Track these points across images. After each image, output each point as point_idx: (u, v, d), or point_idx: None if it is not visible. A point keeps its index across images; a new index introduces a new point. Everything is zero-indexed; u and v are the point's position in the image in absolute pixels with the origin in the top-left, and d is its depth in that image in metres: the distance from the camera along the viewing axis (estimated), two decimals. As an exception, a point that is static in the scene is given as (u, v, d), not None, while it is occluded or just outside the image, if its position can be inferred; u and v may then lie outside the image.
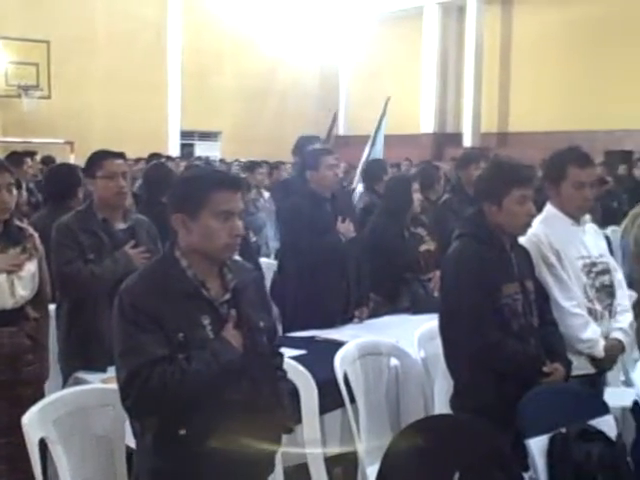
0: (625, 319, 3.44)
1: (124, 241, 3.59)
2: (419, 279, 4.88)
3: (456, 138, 18.96)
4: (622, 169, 11.90)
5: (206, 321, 2.22)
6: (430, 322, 3.69)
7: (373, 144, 8.52)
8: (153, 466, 2.22)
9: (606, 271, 3.43)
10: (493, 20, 18.69)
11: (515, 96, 18.63)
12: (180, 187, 2.34)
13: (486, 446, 2.46)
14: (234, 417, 2.18)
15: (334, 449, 3.30)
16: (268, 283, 4.60)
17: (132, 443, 2.42)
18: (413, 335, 3.68)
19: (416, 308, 4.66)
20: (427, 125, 19.36)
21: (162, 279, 2.23)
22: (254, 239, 6.44)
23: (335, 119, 9.63)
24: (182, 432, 2.15)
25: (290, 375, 2.68)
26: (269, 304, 2.74)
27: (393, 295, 4.84)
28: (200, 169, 4.24)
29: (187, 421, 2.16)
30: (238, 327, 2.24)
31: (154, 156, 10.35)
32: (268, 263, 5.55)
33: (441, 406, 3.36)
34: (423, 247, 4.95)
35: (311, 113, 19.55)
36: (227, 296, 2.30)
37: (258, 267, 3.99)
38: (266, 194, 8.23)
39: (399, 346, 3.62)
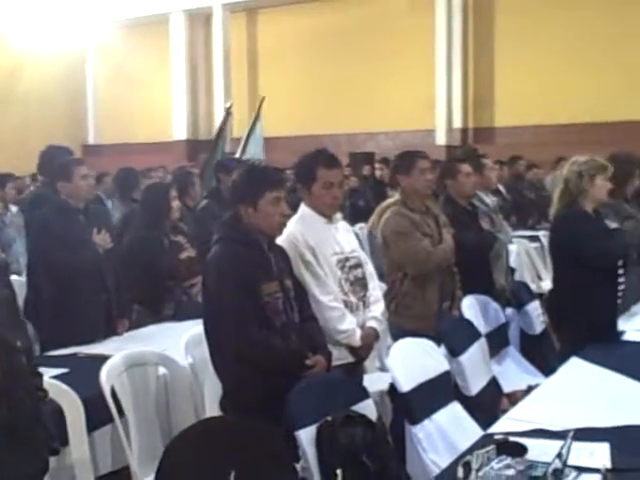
0: (378, 308, 3.68)
1: None
2: (181, 286, 4.86)
3: (209, 145, 19.05)
4: (366, 169, 12.66)
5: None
6: (195, 328, 3.71)
7: (245, 147, 7.91)
8: None
9: (358, 265, 3.65)
10: (239, 28, 19.03)
11: (265, 102, 19.09)
12: None
13: (258, 442, 2.51)
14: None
15: (106, 466, 3.21)
16: (21, 301, 4.35)
17: None
18: (179, 342, 3.67)
19: (180, 315, 4.64)
20: (180, 132, 19.26)
21: None
22: (3, 255, 6.04)
23: (229, 114, 8.69)
24: None
25: (53, 394, 2.57)
26: (23, 323, 2.61)
27: (156, 304, 4.78)
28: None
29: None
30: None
31: None
32: (20, 281, 5.23)
33: (212, 410, 3.38)
34: (184, 254, 4.94)
35: (57, 121, 18.66)
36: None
37: (8, 285, 3.76)
38: (14, 208, 7.76)
39: (166, 354, 3.60)
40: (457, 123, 16.75)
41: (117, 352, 3.47)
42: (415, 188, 4.31)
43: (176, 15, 19.06)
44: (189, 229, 5.31)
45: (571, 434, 2.27)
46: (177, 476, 2.40)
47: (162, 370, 3.50)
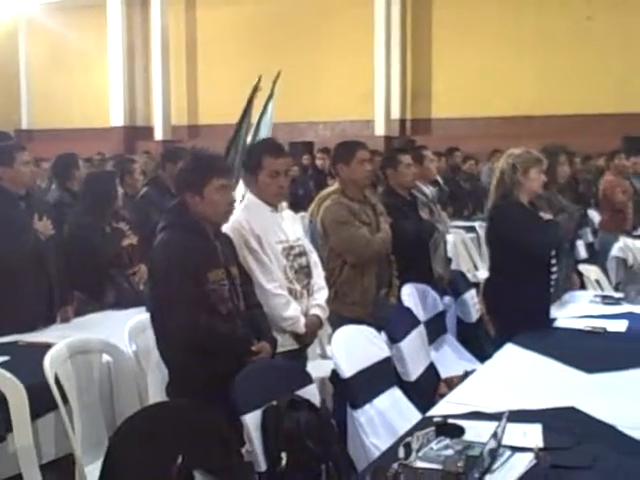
0: (321, 296, 3.77)
1: None
2: (124, 274, 4.85)
3: (147, 131, 18.86)
4: (305, 159, 12.72)
5: None
6: (139, 315, 3.72)
7: (257, 131, 7.18)
8: None
9: (303, 253, 3.72)
10: (177, 14, 18.82)
11: (203, 89, 18.97)
12: None
13: (204, 426, 2.56)
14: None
15: (50, 454, 3.20)
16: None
17: None
18: (122, 330, 3.67)
19: (123, 303, 4.63)
20: (117, 118, 18.98)
21: None
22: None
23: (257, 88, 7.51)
24: None
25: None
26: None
27: (98, 292, 4.76)
28: None
29: None
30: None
31: None
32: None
33: (155, 396, 3.39)
34: (126, 241, 4.92)
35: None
36: None
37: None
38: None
39: (110, 342, 3.60)
40: (395, 114, 16.93)
41: (60, 340, 3.46)
42: (354, 178, 4.39)
43: (113, 0, 18.74)
44: (130, 216, 5.29)
45: (505, 415, 2.38)
46: (124, 463, 2.42)
47: (106, 358, 3.50)
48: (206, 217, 3.21)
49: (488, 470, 2.27)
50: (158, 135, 18.46)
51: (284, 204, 3.73)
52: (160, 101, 18.49)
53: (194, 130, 19.10)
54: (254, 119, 6.56)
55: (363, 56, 16.57)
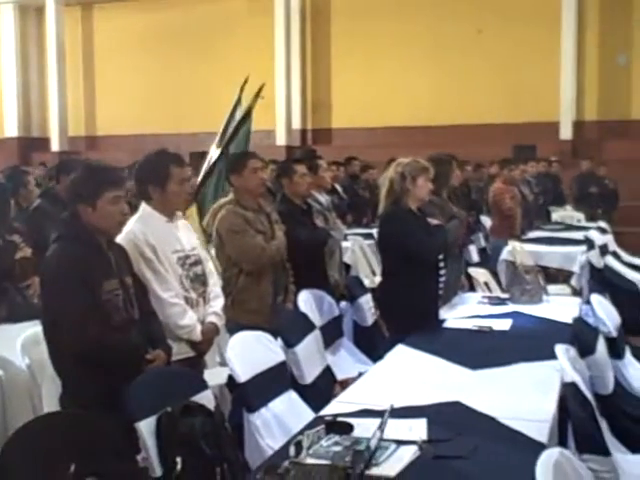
0: (217, 304, 3.82)
1: None
2: (16, 287, 4.76)
3: (43, 142, 18.42)
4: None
5: None
6: (32, 328, 3.68)
7: (229, 140, 6.64)
8: None
9: (198, 262, 3.76)
10: (74, 23, 18.50)
11: (101, 99, 18.69)
12: None
13: (97, 435, 2.58)
14: None
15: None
16: None
17: None
18: (15, 344, 3.63)
19: (15, 317, 4.54)
20: (11, 129, 18.47)
21: None
22: None
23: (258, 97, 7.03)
24: None
25: None
26: None
27: (-10, 306, 4.66)
28: None
29: None
30: None
31: None
32: None
33: (50, 408, 3.36)
34: (19, 254, 4.84)
35: None
36: None
37: None
38: None
39: (1, 356, 3.55)
40: (296, 124, 17.12)
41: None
42: (247, 187, 4.47)
43: (5, 7, 18.26)
44: (22, 229, 5.20)
45: (388, 410, 2.50)
46: (16, 472, 2.42)
47: (-2, 372, 3.46)
48: (99, 228, 3.21)
49: (371, 462, 2.37)
50: (54, 146, 18.04)
51: (179, 213, 3.77)
52: (56, 111, 18.08)
53: (92, 141, 18.79)
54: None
55: (263, 67, 16.67)
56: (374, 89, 15.89)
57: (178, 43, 17.42)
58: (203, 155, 15.32)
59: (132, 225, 3.54)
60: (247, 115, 6.81)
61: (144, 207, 3.67)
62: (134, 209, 3.61)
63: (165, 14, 17.46)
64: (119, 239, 3.42)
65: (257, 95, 6.91)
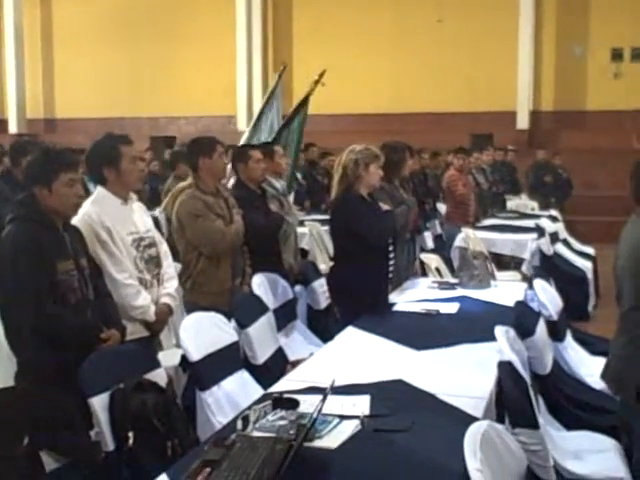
0: (171, 285, 3.92)
1: None
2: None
3: (1, 125, 18.21)
4: (167, 153, 12.66)
5: None
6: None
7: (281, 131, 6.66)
8: None
9: (153, 244, 3.85)
10: (32, 6, 18.26)
11: (60, 82, 18.51)
12: None
13: (50, 410, 2.67)
14: None
15: None
16: None
17: None
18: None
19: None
20: (-32, 112, 18.24)
21: None
22: None
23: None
24: None
25: None
26: None
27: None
28: None
29: None
30: None
31: None
32: None
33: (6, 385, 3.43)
34: (-25, 236, 4.85)
35: None
36: None
37: None
38: None
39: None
40: (258, 109, 17.10)
41: None
42: (215, 170, 4.54)
43: (-37, -12, 17.95)
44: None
45: (330, 385, 2.62)
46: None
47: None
48: (55, 210, 3.29)
49: (314, 434, 2.50)
50: (12, 128, 17.84)
51: (134, 196, 3.85)
52: (14, 93, 17.87)
53: (51, 124, 18.62)
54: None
55: (225, 52, 16.68)
56: (335, 76, 15.81)
57: (139, 27, 17.32)
58: (166, 139, 15.23)
59: (87, 207, 3.61)
60: (304, 102, 7.02)
61: (99, 190, 3.74)
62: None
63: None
64: (75, 221, 3.50)
65: (317, 82, 7.03)
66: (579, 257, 8.54)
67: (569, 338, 4.66)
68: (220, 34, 16.63)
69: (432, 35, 15.53)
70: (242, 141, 6.91)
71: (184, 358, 3.60)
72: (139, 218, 3.84)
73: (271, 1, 17.27)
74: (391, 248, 4.56)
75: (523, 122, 15.33)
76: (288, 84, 17.01)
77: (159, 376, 3.20)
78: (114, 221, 3.66)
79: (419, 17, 15.57)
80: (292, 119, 6.90)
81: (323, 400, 2.47)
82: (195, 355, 3.44)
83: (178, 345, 4.60)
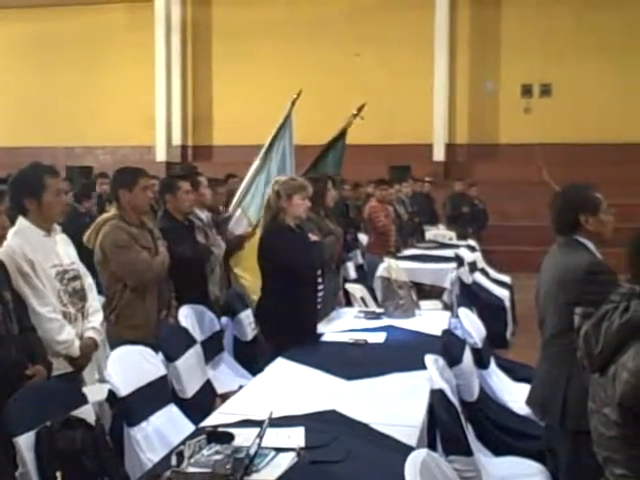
0: (96, 319, 3.83)
1: None
2: None
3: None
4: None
5: None
6: None
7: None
8: None
9: (77, 277, 3.76)
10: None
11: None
12: None
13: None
14: None
15: None
16: None
17: None
18: None
19: None
20: None
21: None
22: None
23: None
24: None
25: None
26: None
27: None
28: None
29: None
30: None
31: None
32: None
33: None
34: None
35: None
36: None
37: None
38: None
39: None
40: (177, 140, 17.03)
41: None
42: (136, 204, 4.45)
43: None
44: None
45: (267, 418, 2.60)
46: None
47: None
48: (-24, 242, 3.18)
49: (251, 468, 2.48)
50: None
51: (57, 228, 3.76)
52: None
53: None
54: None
55: (144, 82, 16.54)
56: (254, 107, 16.01)
57: (56, 55, 17.02)
58: (82, 169, 14.99)
59: (10, 240, 3.50)
60: (341, 135, 7.28)
61: (21, 221, 3.64)
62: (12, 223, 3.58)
63: (43, 24, 17.02)
64: (-3, 254, 3.39)
65: (356, 115, 7.22)
66: (497, 286, 8.76)
67: (493, 365, 4.77)
68: (139, 63, 16.49)
69: (350, 69, 15.78)
70: (251, 172, 7.01)
71: (111, 393, 3.52)
72: (63, 250, 3.75)
73: (190, 30, 17.25)
74: (320, 280, 4.58)
75: (439, 154, 15.71)
76: (208, 114, 17.07)
77: (87, 412, 3.10)
78: (37, 253, 3.56)
79: (339, 50, 15.82)
80: (327, 151, 7.18)
81: (261, 433, 2.45)
82: (123, 390, 3.36)
83: (101, 380, 4.50)
